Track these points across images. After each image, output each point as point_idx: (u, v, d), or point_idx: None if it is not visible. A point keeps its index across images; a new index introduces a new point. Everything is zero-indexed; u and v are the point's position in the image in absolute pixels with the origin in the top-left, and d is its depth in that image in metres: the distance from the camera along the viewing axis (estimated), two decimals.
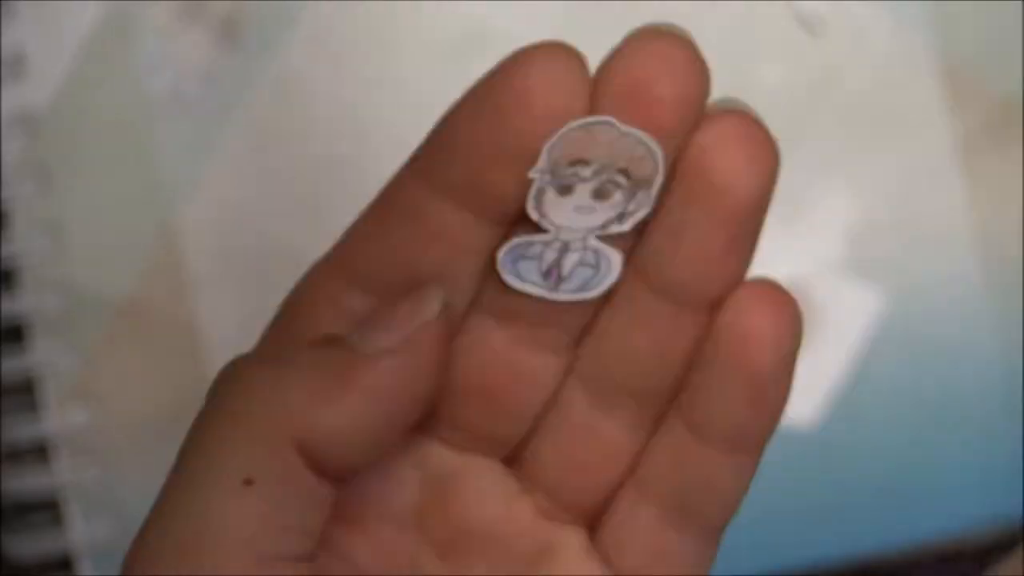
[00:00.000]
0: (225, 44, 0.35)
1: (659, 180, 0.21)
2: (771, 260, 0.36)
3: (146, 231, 0.34)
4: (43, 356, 0.35)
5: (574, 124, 0.21)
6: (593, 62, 0.36)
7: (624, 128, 0.21)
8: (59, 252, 0.35)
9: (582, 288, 0.22)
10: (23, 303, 0.35)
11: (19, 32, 0.35)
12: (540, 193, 0.21)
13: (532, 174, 0.21)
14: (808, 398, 0.35)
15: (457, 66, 0.35)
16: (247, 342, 0.35)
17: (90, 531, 0.35)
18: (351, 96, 0.35)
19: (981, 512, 0.35)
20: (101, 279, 0.35)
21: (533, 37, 0.36)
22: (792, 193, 0.35)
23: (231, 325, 0.35)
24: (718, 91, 0.35)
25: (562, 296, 0.21)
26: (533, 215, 0.21)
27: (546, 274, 0.22)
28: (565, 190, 0.22)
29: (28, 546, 0.35)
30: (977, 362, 0.35)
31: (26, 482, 0.35)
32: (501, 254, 0.21)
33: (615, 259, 0.22)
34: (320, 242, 0.35)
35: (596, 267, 0.22)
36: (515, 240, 0.21)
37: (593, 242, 0.22)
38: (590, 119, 0.21)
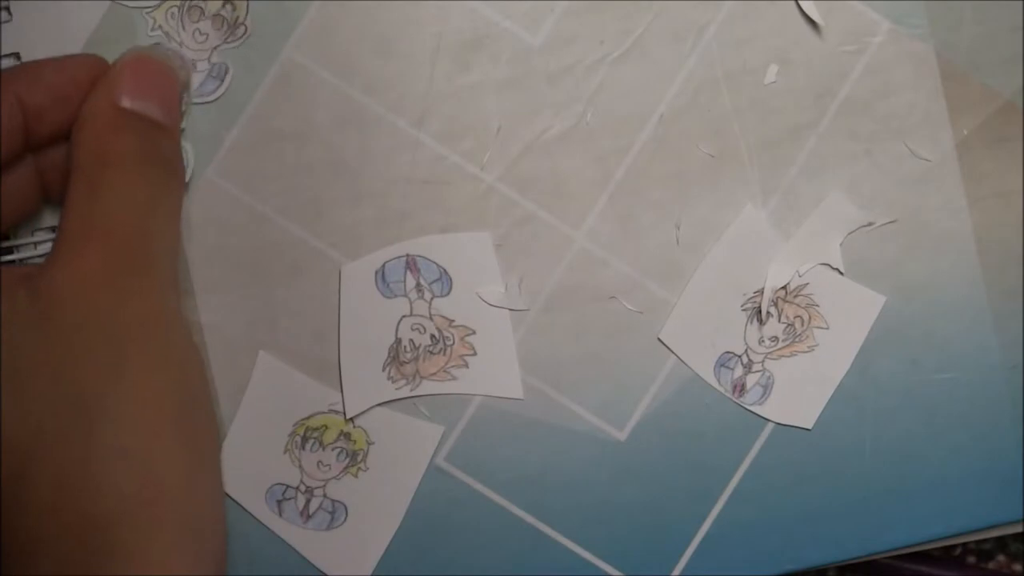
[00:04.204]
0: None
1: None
2: (771, 261, 0.36)
3: None
4: None
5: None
6: (593, 60, 0.36)
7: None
8: None
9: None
10: None
11: (19, 32, 0.34)
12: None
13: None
14: (808, 398, 0.35)
15: (457, 66, 0.35)
16: (248, 340, 0.35)
17: None
18: (352, 96, 0.35)
19: (981, 512, 0.35)
20: None
21: (532, 36, 0.36)
22: (792, 193, 0.35)
23: (231, 324, 0.35)
24: (720, 90, 0.35)
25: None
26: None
27: None
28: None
29: None
30: (977, 362, 0.35)
31: None
32: None
33: (189, 148, 0.34)
34: (320, 242, 0.35)
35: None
36: None
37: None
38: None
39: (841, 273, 0.35)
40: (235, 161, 0.35)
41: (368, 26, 0.35)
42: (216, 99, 0.35)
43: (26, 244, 0.35)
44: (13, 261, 0.35)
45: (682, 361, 0.35)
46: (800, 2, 0.35)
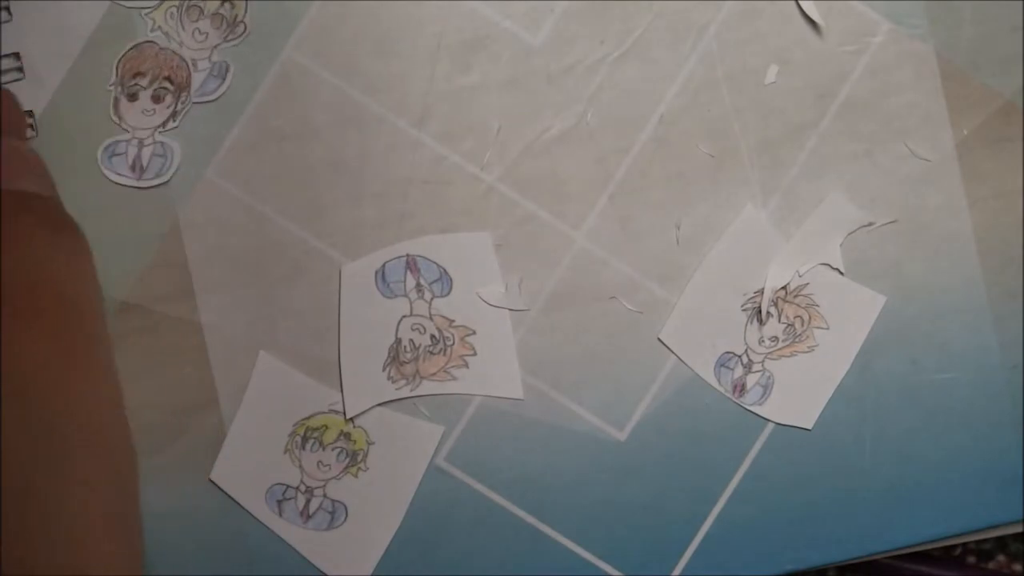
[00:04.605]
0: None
1: (193, 82, 0.32)
2: (772, 261, 0.36)
3: (147, 231, 0.34)
4: None
5: (129, 46, 0.30)
6: (593, 60, 0.36)
7: (163, 45, 0.31)
8: None
9: (159, 175, 0.32)
10: None
11: (19, 32, 0.34)
12: (116, 102, 0.32)
13: (109, 87, 0.32)
14: (808, 398, 0.35)
15: (457, 66, 0.35)
16: (248, 340, 0.35)
17: None
18: (352, 96, 0.35)
19: (981, 512, 0.35)
20: (101, 279, 0.35)
21: (533, 36, 0.36)
22: (792, 193, 0.35)
23: (232, 324, 0.35)
24: (721, 90, 0.35)
25: (145, 183, 0.32)
26: (114, 117, 0.32)
27: (132, 167, 0.32)
28: (132, 97, 0.32)
29: None
30: (977, 362, 0.35)
31: None
32: (99, 154, 0.30)
33: (176, 147, 0.33)
34: (320, 242, 0.35)
35: (164, 156, 0.33)
36: (106, 142, 0.30)
37: (159, 136, 0.32)
38: (140, 40, 0.30)
39: (841, 273, 0.35)
40: (235, 161, 0.35)
41: (368, 26, 0.35)
42: (217, 98, 0.35)
43: None
44: None
45: (682, 361, 0.35)
46: (800, 2, 0.35)
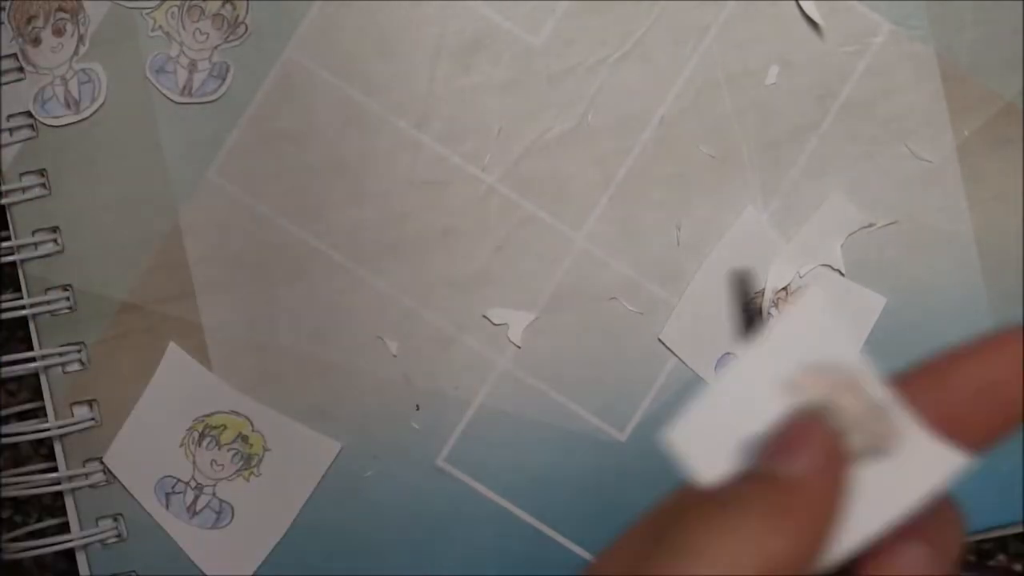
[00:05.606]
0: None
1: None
2: (772, 262, 0.36)
3: (147, 231, 0.34)
4: (44, 355, 0.35)
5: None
6: (594, 61, 0.36)
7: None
8: (59, 252, 0.35)
9: (94, 100, 0.34)
10: (23, 303, 0.35)
11: None
12: (23, 52, 0.34)
13: (10, 43, 0.34)
14: None
15: (458, 67, 0.35)
16: (248, 340, 0.35)
17: (89, 531, 0.35)
18: (353, 96, 0.35)
19: (981, 513, 0.35)
20: (101, 279, 0.35)
21: (533, 37, 0.36)
22: (793, 194, 0.35)
23: (231, 324, 0.35)
24: (721, 92, 0.35)
25: (84, 114, 0.34)
26: (29, 68, 0.34)
27: (66, 104, 0.34)
28: (36, 42, 0.34)
29: (28, 545, 0.35)
30: None
31: (27, 480, 0.35)
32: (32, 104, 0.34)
33: (99, 68, 0.34)
34: (320, 242, 0.35)
35: (91, 82, 0.34)
36: (33, 91, 0.34)
37: (78, 65, 0.34)
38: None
39: (842, 274, 0.35)
40: (236, 161, 0.35)
41: (368, 26, 0.35)
42: (217, 99, 0.35)
43: (27, 245, 0.35)
44: (14, 263, 0.35)
45: (683, 362, 0.35)
46: (801, 3, 0.35)
